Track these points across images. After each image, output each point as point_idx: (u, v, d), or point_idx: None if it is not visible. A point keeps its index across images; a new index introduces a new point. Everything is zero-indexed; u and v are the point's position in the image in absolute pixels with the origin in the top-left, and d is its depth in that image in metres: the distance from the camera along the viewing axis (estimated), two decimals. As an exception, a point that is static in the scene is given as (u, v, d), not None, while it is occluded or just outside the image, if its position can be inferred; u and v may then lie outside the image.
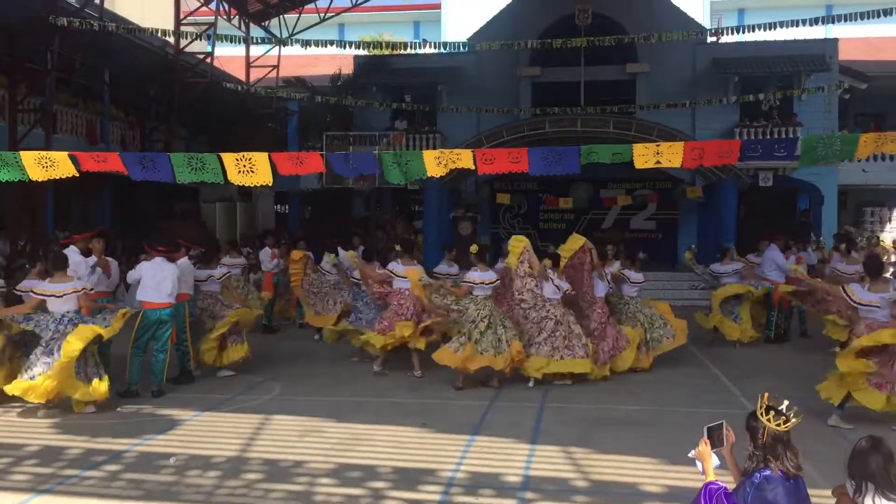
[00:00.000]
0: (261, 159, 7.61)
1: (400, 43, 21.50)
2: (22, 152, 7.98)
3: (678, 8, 23.27)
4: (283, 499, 5.72)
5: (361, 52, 22.57)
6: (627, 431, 7.49)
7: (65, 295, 8.10)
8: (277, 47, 23.97)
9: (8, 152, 8.00)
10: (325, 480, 6.11)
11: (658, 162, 6.87)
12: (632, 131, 18.73)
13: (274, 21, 24.88)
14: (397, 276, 10.18)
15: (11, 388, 7.78)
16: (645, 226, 23.50)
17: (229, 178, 7.62)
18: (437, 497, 5.77)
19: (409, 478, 6.14)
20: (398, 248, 10.95)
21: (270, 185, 7.80)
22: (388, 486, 5.99)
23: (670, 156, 6.79)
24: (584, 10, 21.90)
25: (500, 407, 8.55)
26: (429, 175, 7.52)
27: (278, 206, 27.38)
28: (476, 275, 9.70)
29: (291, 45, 20.70)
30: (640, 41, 19.22)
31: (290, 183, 25.44)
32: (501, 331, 9.26)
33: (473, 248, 10.10)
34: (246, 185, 7.70)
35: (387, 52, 22.90)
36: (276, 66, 24.78)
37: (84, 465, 6.44)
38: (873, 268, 8.29)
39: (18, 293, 8.85)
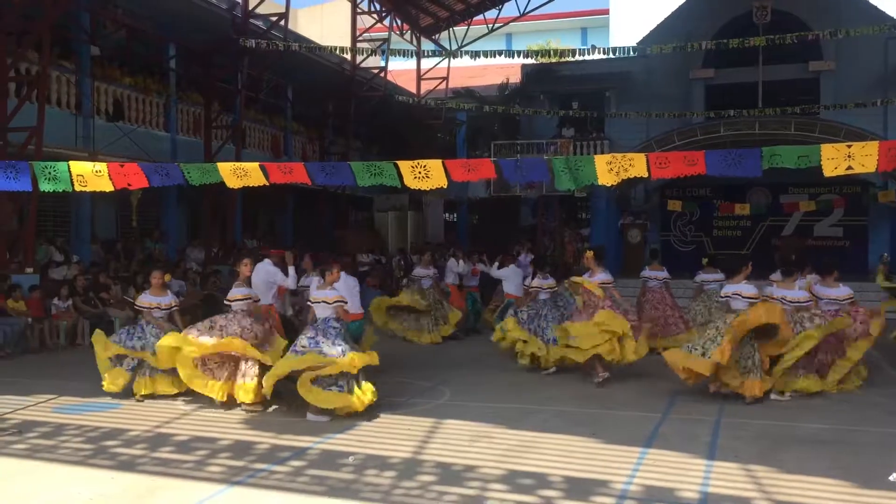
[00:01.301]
0: (435, 165, 7.79)
1: (567, 50, 21.39)
2: (219, 163, 8.64)
3: (866, 0, 21.74)
4: (456, 502, 5.82)
5: (529, 60, 22.66)
6: (814, 451, 7.05)
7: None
8: (447, 59, 24.52)
9: (207, 163, 8.67)
10: (496, 486, 6.16)
11: (849, 167, 6.37)
12: (815, 133, 17.69)
13: (444, 34, 25.49)
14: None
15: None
16: (830, 233, 22.07)
17: (406, 182, 7.85)
18: (609, 509, 5.68)
19: (580, 488, 6.08)
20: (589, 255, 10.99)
21: (446, 187, 7.95)
22: (560, 494, 5.96)
23: (863, 158, 6.29)
24: (762, 7, 20.95)
25: (674, 420, 8.30)
26: (600, 183, 7.39)
27: (447, 215, 27.94)
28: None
29: (461, 56, 21.13)
30: (825, 37, 18.12)
31: (458, 191, 25.97)
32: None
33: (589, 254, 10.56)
34: (422, 189, 7.89)
35: (554, 59, 22.89)
36: (446, 78, 25.36)
37: (271, 459, 6.84)
38: None
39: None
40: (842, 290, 9.93)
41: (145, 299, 9.57)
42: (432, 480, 6.29)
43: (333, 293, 8.67)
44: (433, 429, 7.91)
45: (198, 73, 18.86)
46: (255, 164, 8.43)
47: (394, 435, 7.73)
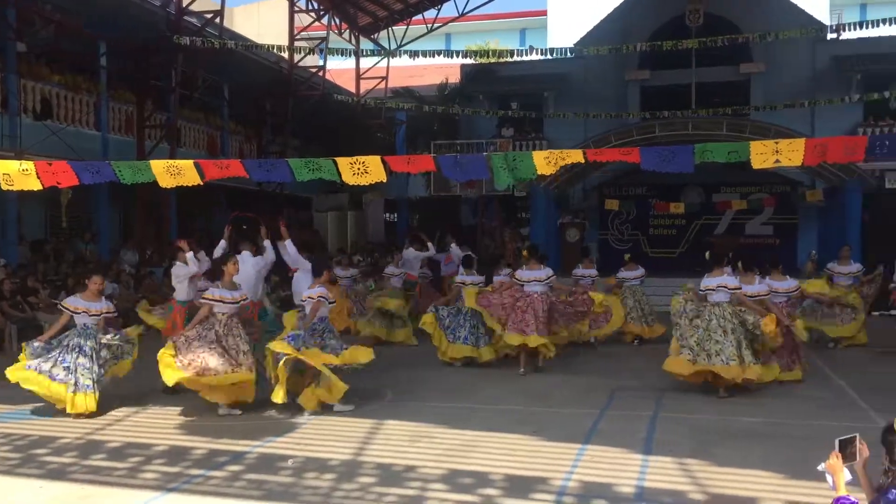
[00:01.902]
0: (373, 161, 7.77)
1: (506, 50, 21.52)
2: (151, 161, 8.43)
3: (795, 4, 22.40)
4: (396, 503, 5.79)
5: (468, 60, 22.77)
6: (748, 444, 7.22)
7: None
8: (386, 59, 24.44)
9: (140, 161, 8.45)
10: (436, 486, 6.15)
11: (777, 161, 6.57)
12: (746, 133, 18.11)
13: (383, 33, 25.42)
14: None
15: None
16: (761, 231, 22.66)
17: (344, 178, 7.80)
18: (549, 505, 5.73)
19: (520, 486, 6.12)
20: (525, 253, 11.43)
21: (385, 181, 7.90)
22: (500, 493, 5.98)
23: (790, 154, 6.49)
24: (695, 11, 21.40)
25: (612, 416, 8.41)
26: (539, 173, 7.46)
27: (388, 215, 27.87)
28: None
29: (399, 56, 21.08)
30: (755, 40, 18.60)
31: (399, 191, 25.94)
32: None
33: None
34: (361, 184, 7.83)
35: (493, 60, 23.04)
36: (385, 78, 25.27)
37: (208, 464, 6.71)
38: None
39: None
40: (790, 283, 10.55)
41: (74, 302, 8.80)
42: (372, 482, 6.25)
43: (239, 293, 8.71)
44: (374, 430, 7.87)
45: (130, 71, 18.43)
46: (190, 162, 8.25)
47: (334, 437, 7.66)
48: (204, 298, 8.74)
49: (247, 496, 5.94)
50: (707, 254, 9.82)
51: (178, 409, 8.73)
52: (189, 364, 8.19)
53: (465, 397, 9.40)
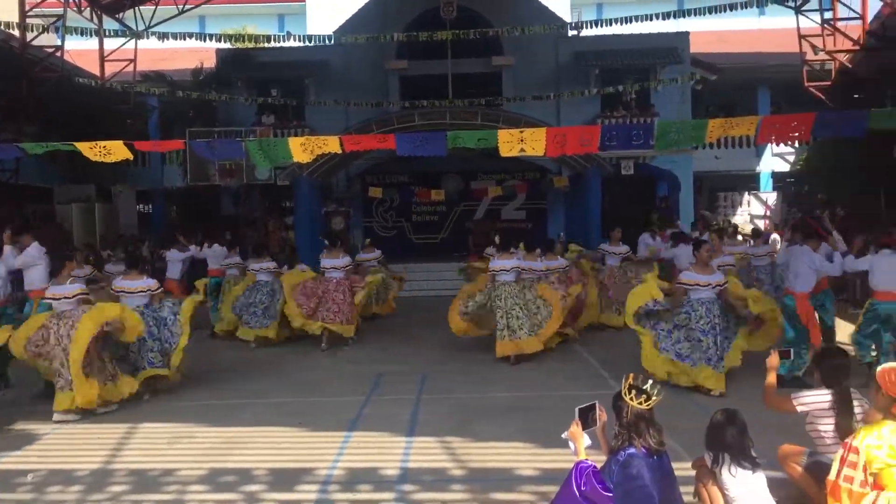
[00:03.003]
0: (115, 145, 7.28)
1: (263, 36, 21.02)
2: None
3: (540, 2, 23.80)
4: (152, 510, 5.49)
5: (223, 45, 21.90)
6: (504, 418, 7.61)
7: None
8: (133, 40, 22.95)
9: None
10: (196, 487, 5.91)
11: (522, 150, 6.99)
12: (499, 123, 19.02)
13: (129, 13, 23.78)
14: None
15: None
16: (515, 216, 23.97)
17: (85, 154, 7.28)
18: (313, 496, 5.68)
19: (285, 479, 6.02)
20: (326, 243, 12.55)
21: (131, 158, 7.44)
22: (264, 488, 5.85)
23: (534, 143, 6.92)
24: (449, 4, 22.09)
25: (378, 401, 8.51)
26: (295, 160, 7.38)
27: (141, 206, 26.27)
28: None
29: (148, 38, 19.87)
30: (503, 34, 19.54)
31: (153, 181, 24.51)
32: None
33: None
34: (104, 161, 7.30)
35: (250, 45, 22.37)
36: (133, 60, 23.70)
37: (-71, 490, 5.97)
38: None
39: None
40: (561, 262, 12.04)
41: None
42: (126, 489, 5.88)
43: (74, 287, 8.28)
44: (128, 434, 7.40)
45: None
46: None
47: (81, 446, 7.12)
48: None
49: (-23, 521, 5.36)
50: (496, 238, 11.28)
51: None
52: None
53: (228, 393, 9.08)
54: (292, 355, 11.31)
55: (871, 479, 3.99)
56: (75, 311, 8.15)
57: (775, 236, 16.89)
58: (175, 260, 13.53)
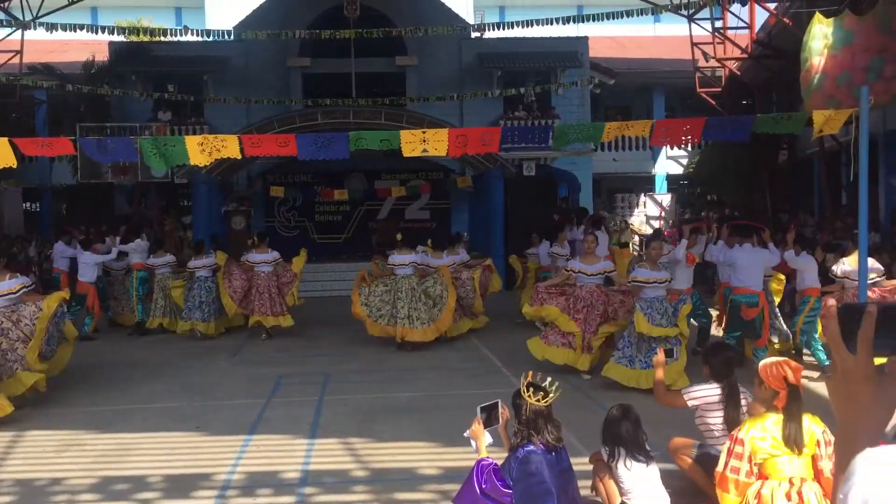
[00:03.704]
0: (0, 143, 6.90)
1: (159, 29, 20.36)
2: None
3: (443, 3, 23.91)
4: (38, 522, 5.24)
5: (117, 37, 21.11)
6: (406, 418, 7.60)
7: None
8: (20, 31, 21.86)
9: None
10: (87, 496, 5.67)
11: (425, 150, 7.00)
12: (403, 123, 19.01)
13: (16, 2, 22.62)
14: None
15: None
16: (419, 215, 24.01)
17: None
18: (211, 502, 5.54)
19: (181, 485, 5.85)
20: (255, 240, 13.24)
21: (14, 166, 7.06)
22: (159, 495, 5.67)
23: (436, 143, 6.94)
24: (352, 2, 21.91)
25: (278, 403, 8.37)
26: (192, 163, 7.16)
27: (28, 205, 25.07)
28: None
29: (35, 28, 18.96)
30: (407, 34, 19.55)
31: (40, 178, 23.41)
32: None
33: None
34: None
35: (145, 38, 21.65)
36: (20, 52, 22.57)
37: None
38: None
39: None
40: (463, 256, 13.00)
41: None
42: (9, 500, 5.59)
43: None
44: (12, 443, 7.04)
45: None
46: None
47: (-40, 458, 6.72)
48: None
49: None
50: (398, 237, 11.88)
51: None
52: None
53: (118, 398, 8.76)
54: (187, 358, 11.00)
55: (755, 470, 4.16)
56: None
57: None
58: (61, 256, 13.17)
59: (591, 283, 9.44)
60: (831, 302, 1.15)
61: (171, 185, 21.88)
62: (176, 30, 19.41)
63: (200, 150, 7.01)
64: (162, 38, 21.69)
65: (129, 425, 7.54)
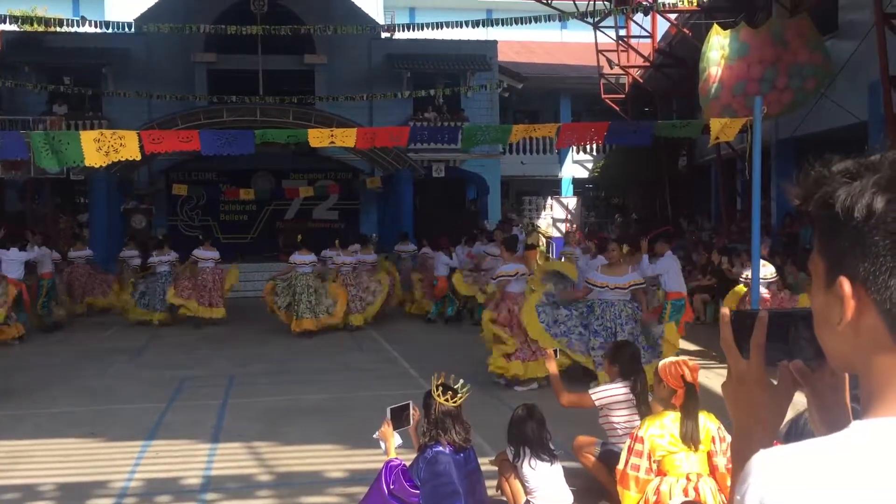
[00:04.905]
0: None
1: (55, 19, 19.52)
2: None
3: (353, 2, 23.76)
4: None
5: (9, 26, 20.15)
6: (313, 421, 7.50)
7: None
8: None
9: None
10: (-29, 509, 5.38)
11: (332, 142, 6.95)
12: (311, 122, 18.80)
13: None
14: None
15: None
16: (328, 216, 23.77)
17: None
18: (108, 510, 5.34)
19: (75, 493, 5.61)
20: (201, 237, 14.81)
21: None
22: (51, 505, 5.42)
23: (344, 137, 6.89)
24: (260, -2, 21.57)
25: (179, 407, 8.13)
26: (87, 165, 6.86)
27: None
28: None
29: (-80, 14, 17.89)
30: (316, 33, 19.35)
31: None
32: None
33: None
34: None
35: (40, 28, 20.73)
36: None
37: None
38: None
39: None
40: (373, 256, 14.29)
41: None
42: None
43: None
44: None
45: None
46: None
47: None
48: None
49: None
50: (299, 238, 12.87)
51: None
52: None
53: (9, 403, 8.32)
54: (84, 361, 10.55)
55: (654, 467, 4.28)
56: None
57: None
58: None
59: (615, 298, 8.38)
60: (725, 310, 1.20)
61: (67, 182, 21.00)
62: (73, 20, 18.63)
63: (97, 148, 6.70)
64: (58, 29, 20.78)
65: (17, 432, 7.19)
